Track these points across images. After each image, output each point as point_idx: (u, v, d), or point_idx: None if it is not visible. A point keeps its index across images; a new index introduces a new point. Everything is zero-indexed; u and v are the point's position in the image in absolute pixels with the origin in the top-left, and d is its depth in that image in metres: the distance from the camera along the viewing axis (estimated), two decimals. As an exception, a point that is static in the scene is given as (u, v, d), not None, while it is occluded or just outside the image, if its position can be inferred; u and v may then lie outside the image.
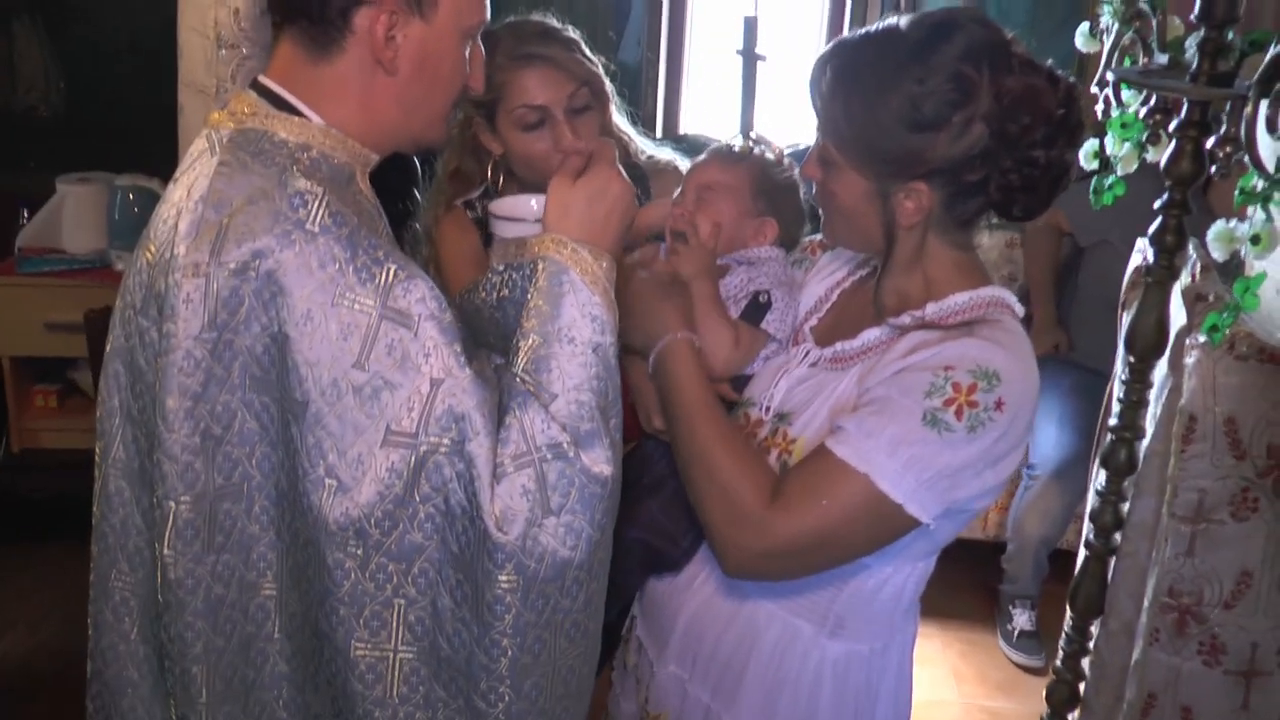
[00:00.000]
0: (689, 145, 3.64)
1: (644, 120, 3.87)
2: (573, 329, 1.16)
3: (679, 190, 1.56)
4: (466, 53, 1.23)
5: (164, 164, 1.19)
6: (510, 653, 1.10)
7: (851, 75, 1.24)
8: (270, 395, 1.09)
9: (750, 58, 3.29)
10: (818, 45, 3.59)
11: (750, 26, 3.25)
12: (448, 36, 1.19)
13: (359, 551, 1.08)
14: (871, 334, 1.32)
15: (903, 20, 1.25)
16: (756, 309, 1.43)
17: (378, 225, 1.20)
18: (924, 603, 3.43)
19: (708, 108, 4.02)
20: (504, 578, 1.08)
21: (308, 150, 1.15)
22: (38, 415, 3.45)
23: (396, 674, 1.13)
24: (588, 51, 1.77)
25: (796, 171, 1.57)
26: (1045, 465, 3.11)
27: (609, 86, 1.82)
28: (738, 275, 1.46)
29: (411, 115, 1.22)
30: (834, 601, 1.34)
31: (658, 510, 1.39)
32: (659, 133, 3.89)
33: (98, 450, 1.24)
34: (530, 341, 1.16)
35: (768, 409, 1.39)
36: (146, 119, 2.77)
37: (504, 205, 1.37)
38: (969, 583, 3.51)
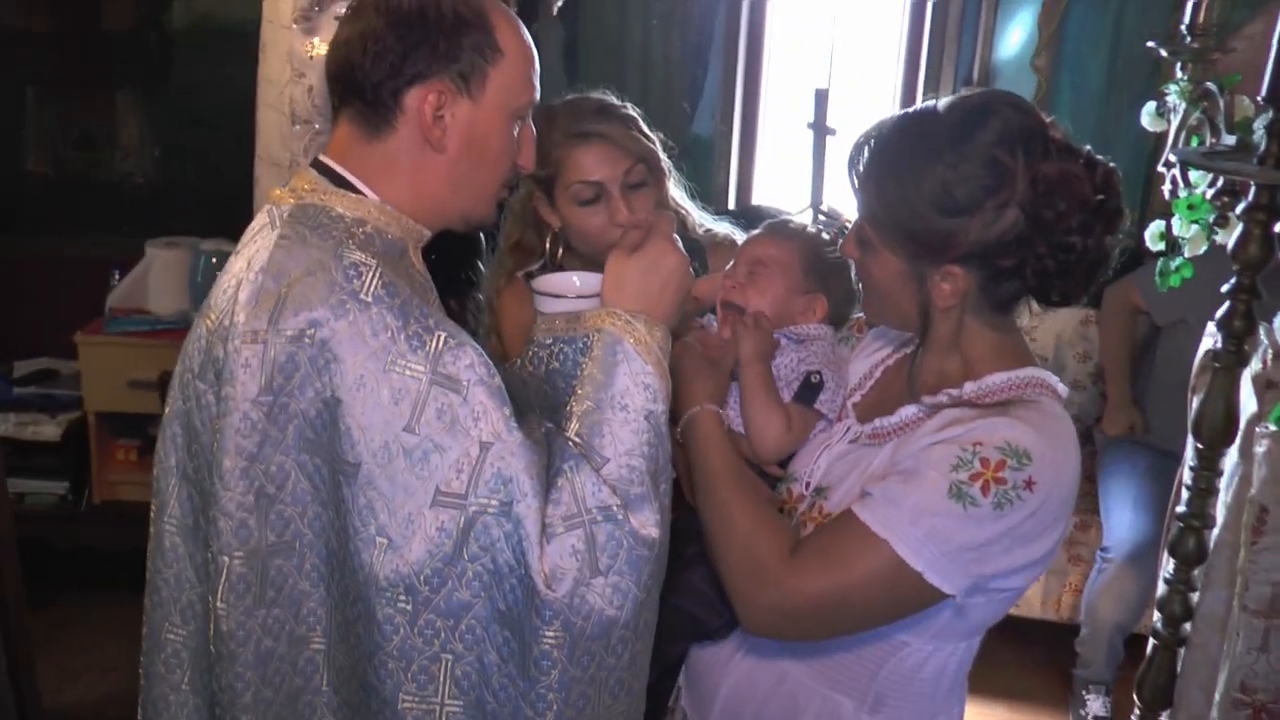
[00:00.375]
0: (758, 217, 3.68)
1: (716, 191, 3.94)
2: (625, 396, 1.19)
3: (732, 262, 1.58)
4: (516, 132, 1.27)
5: (244, 231, 1.27)
6: (555, 707, 1.12)
7: (887, 157, 1.24)
8: (322, 457, 1.13)
9: (821, 130, 3.31)
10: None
11: (821, 99, 3.28)
12: (495, 117, 1.23)
13: (409, 607, 1.12)
14: (908, 411, 1.32)
15: (941, 102, 1.25)
16: (809, 389, 1.44)
17: (429, 296, 1.23)
18: (994, 683, 3.38)
19: (779, 180, 4.06)
20: (550, 634, 1.11)
21: (363, 225, 1.19)
22: (118, 469, 3.57)
23: None
24: (645, 128, 1.80)
25: None
26: (1119, 549, 3.02)
27: (665, 161, 1.84)
28: (787, 355, 1.47)
29: (460, 192, 1.26)
30: (874, 678, 1.32)
31: (700, 579, 1.40)
32: (731, 204, 3.92)
33: (153, 508, 1.29)
34: (584, 407, 1.20)
35: (808, 484, 1.39)
36: (231, 188, 2.89)
37: (547, 283, 1.40)
38: (1043, 664, 3.41)
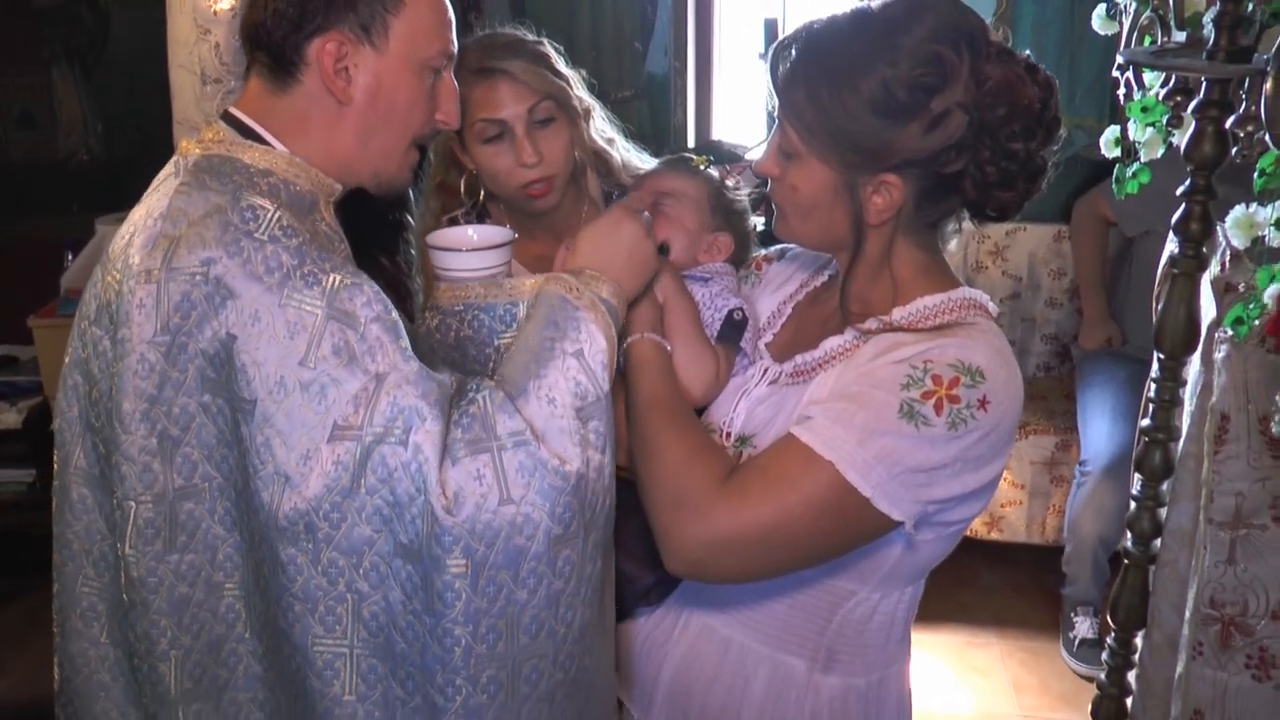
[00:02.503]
0: (719, 153, 3.60)
1: (675, 129, 3.87)
2: (554, 340, 1.16)
3: (632, 191, 1.53)
4: (430, 85, 1.25)
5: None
6: (464, 641, 1.09)
7: (819, 58, 1.16)
8: (224, 397, 1.11)
9: (773, 61, 3.22)
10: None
11: (770, 29, 3.19)
12: (402, 67, 1.21)
13: (309, 546, 1.10)
14: (833, 342, 1.25)
15: (874, 1, 1.18)
16: (733, 327, 1.38)
17: (335, 248, 1.20)
18: (982, 611, 3.36)
19: (739, 113, 3.98)
20: (452, 562, 1.08)
21: (269, 176, 1.18)
22: (85, 452, 3.51)
23: (353, 671, 1.13)
24: (559, 64, 1.75)
25: (746, 197, 1.54)
26: (1097, 461, 2.99)
27: (584, 100, 1.78)
28: (697, 294, 1.41)
29: (369, 147, 1.24)
30: (823, 634, 1.28)
31: (630, 534, 1.33)
32: (691, 140, 3.85)
33: (57, 460, 1.26)
34: (509, 354, 1.19)
35: (728, 434, 1.32)
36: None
37: (442, 237, 1.34)
38: (1032, 589, 3.41)
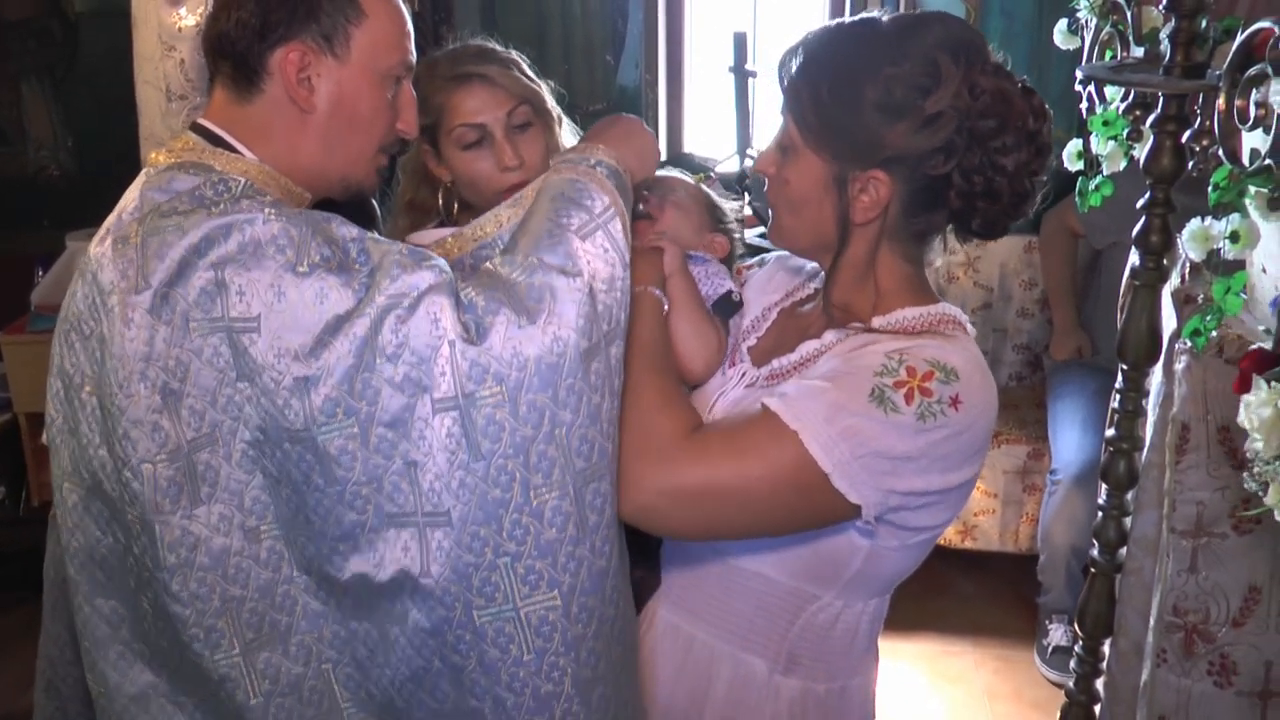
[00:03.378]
0: (690, 166, 3.62)
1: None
2: (541, 192, 1.20)
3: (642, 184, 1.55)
4: (390, 95, 1.28)
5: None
6: (518, 475, 1.08)
7: (824, 57, 1.21)
8: (219, 334, 1.10)
9: (742, 74, 3.24)
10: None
11: (740, 43, 3.20)
12: (363, 77, 1.24)
13: (354, 430, 1.08)
14: (810, 345, 1.27)
15: (883, 15, 1.23)
16: (728, 305, 1.41)
17: None
18: (957, 619, 3.37)
19: (710, 126, 3.99)
20: (486, 392, 1.07)
21: (239, 183, 1.20)
22: (57, 470, 3.49)
23: (423, 549, 1.10)
24: (529, 71, 1.76)
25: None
26: (1067, 470, 3.01)
27: (555, 108, 1.80)
28: (694, 270, 1.43)
29: (334, 155, 1.27)
30: (785, 636, 1.29)
31: None
32: (663, 153, 3.85)
33: (55, 471, 1.26)
34: (522, 232, 1.20)
35: None
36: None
37: (419, 238, 1.36)
38: (1007, 597, 3.42)
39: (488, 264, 1.17)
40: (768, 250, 1.55)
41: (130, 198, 1.19)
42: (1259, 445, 1.30)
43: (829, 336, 1.25)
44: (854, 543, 1.20)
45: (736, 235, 1.56)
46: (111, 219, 1.20)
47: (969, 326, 1.26)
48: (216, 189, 1.16)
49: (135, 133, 3.14)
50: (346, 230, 1.15)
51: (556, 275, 1.11)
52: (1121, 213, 2.61)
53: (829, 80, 1.19)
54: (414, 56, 1.31)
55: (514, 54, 1.76)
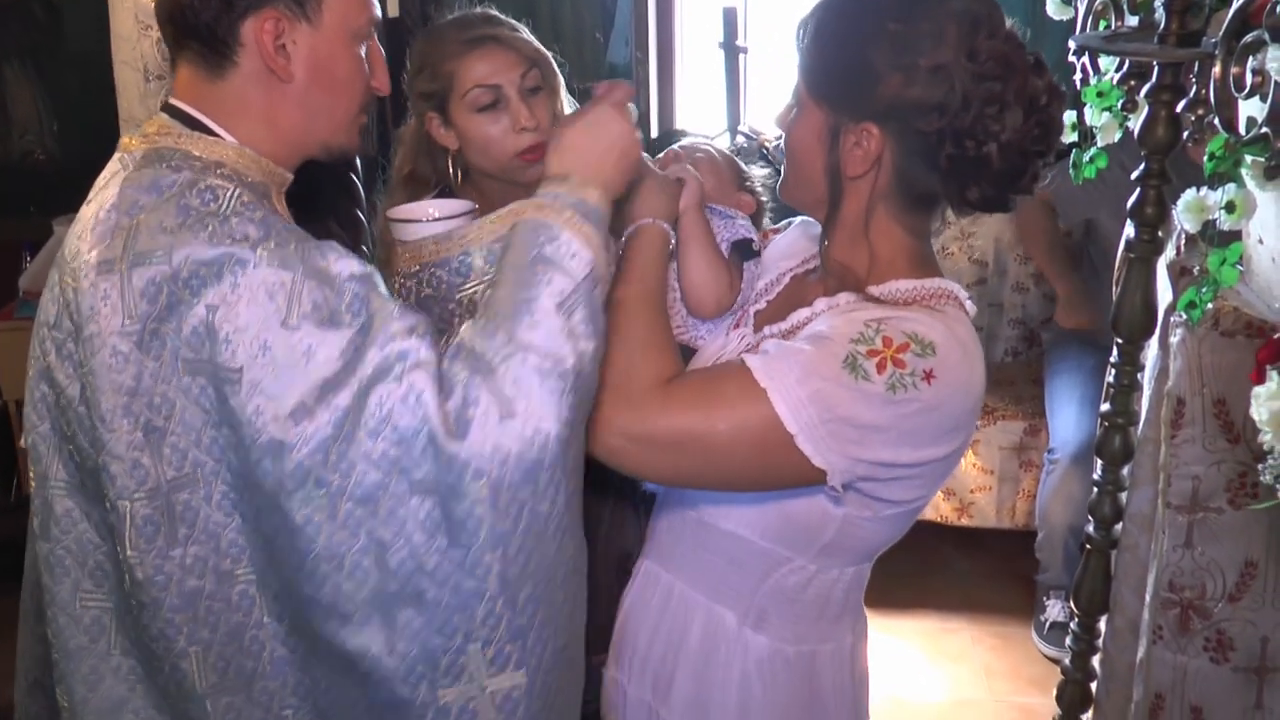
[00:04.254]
0: (682, 141, 3.59)
1: (638, 119, 3.84)
2: (520, 249, 1.14)
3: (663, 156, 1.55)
4: (363, 53, 1.24)
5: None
6: (495, 568, 1.08)
7: (835, 12, 1.22)
8: (205, 375, 1.08)
9: (732, 50, 3.20)
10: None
11: (729, 19, 3.17)
12: (338, 38, 1.20)
13: (324, 502, 1.07)
14: (801, 313, 1.26)
15: None
16: (744, 250, 1.41)
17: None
18: (953, 596, 3.36)
19: (702, 103, 3.96)
20: (468, 488, 1.06)
21: (220, 167, 1.16)
22: (48, 458, 3.47)
23: (393, 625, 1.09)
24: (533, 38, 1.77)
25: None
26: (1064, 449, 3.00)
27: (559, 74, 1.80)
28: (714, 224, 1.43)
29: (316, 121, 1.23)
30: (755, 593, 1.30)
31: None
32: (654, 130, 3.83)
33: (33, 476, 1.22)
34: (490, 291, 1.16)
35: None
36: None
37: (403, 210, 1.35)
38: (1003, 574, 3.41)
39: (467, 334, 1.11)
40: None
41: (109, 194, 1.14)
42: (1269, 437, 1.27)
43: (819, 304, 1.25)
44: (826, 510, 1.20)
45: (764, 199, 1.56)
46: (90, 213, 1.15)
47: (968, 304, 1.24)
48: (203, 196, 1.11)
49: (119, 117, 3.12)
50: (344, 266, 1.11)
51: (536, 363, 1.08)
52: (1094, 189, 2.59)
53: (834, 32, 1.21)
54: (379, 12, 1.28)
55: (515, 22, 1.77)
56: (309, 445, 1.05)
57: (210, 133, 1.18)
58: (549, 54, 1.77)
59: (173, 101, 1.21)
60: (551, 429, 1.07)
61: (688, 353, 1.42)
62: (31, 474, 1.23)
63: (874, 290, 1.22)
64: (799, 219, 1.52)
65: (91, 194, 1.20)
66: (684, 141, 1.60)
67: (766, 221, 1.61)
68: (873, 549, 1.29)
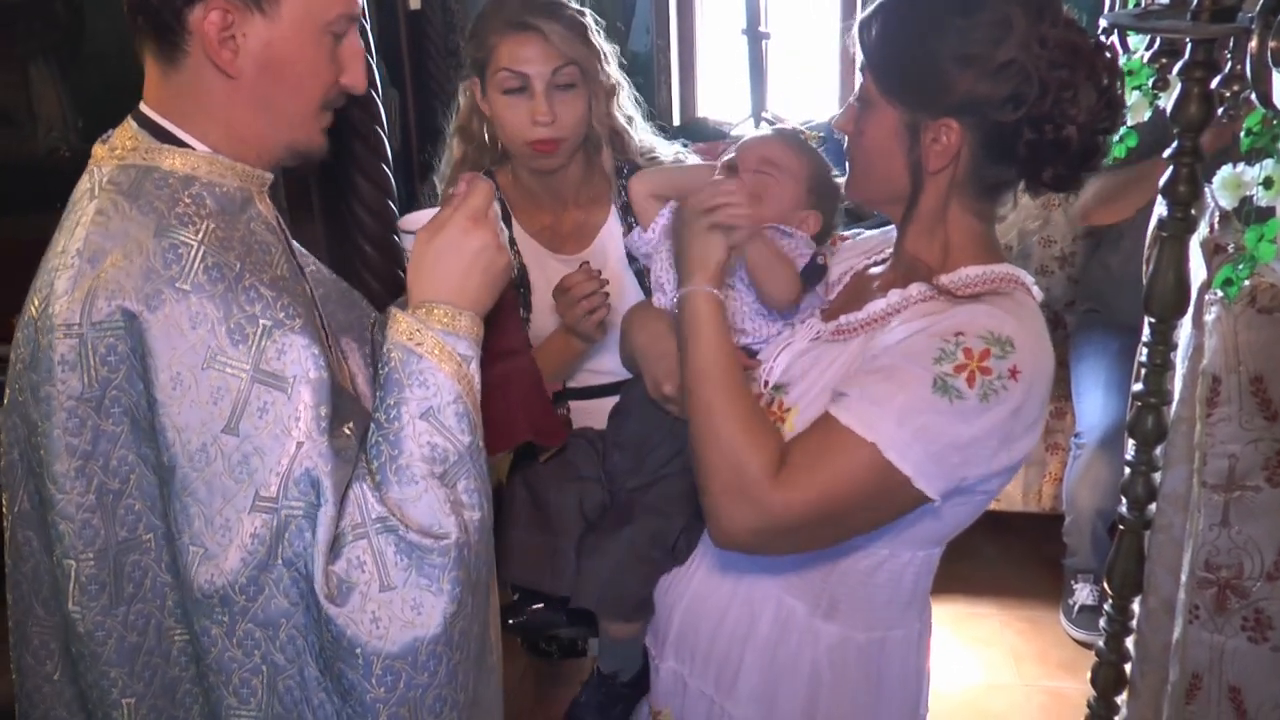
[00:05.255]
0: (704, 130, 3.58)
1: (660, 108, 3.84)
2: (399, 404, 1.12)
3: (736, 150, 1.54)
4: (330, 49, 1.16)
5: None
6: None
7: (901, 11, 1.24)
8: (158, 450, 1.08)
9: (755, 36, 3.19)
10: (828, 21, 3.47)
11: (751, 5, 3.16)
12: (298, 34, 1.12)
13: (225, 619, 1.07)
14: (877, 305, 1.28)
15: None
16: (815, 270, 1.42)
17: (272, 256, 1.15)
18: (979, 580, 3.36)
19: (724, 90, 3.95)
20: (343, 652, 1.06)
21: (191, 185, 1.11)
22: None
23: None
24: (595, 37, 1.79)
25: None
26: (1091, 434, 2.98)
27: (613, 76, 1.80)
28: (780, 241, 1.44)
29: (273, 121, 1.16)
30: (826, 580, 1.31)
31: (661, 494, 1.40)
32: (676, 119, 3.82)
33: (4, 501, 1.21)
34: (370, 429, 1.14)
35: (766, 382, 1.37)
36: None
37: (409, 221, 1.33)
38: (1030, 557, 3.40)
39: (356, 479, 1.10)
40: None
41: (78, 233, 1.09)
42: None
43: (894, 296, 1.27)
44: (919, 511, 1.22)
45: (839, 208, 1.55)
46: (60, 245, 1.11)
47: (1035, 290, 1.26)
48: (165, 258, 1.05)
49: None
50: (299, 367, 1.06)
51: (416, 539, 1.08)
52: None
53: (903, 30, 1.22)
54: (358, 6, 1.18)
55: (588, 16, 1.78)
56: (225, 564, 1.05)
57: (181, 142, 1.13)
58: (599, 55, 1.77)
59: (142, 109, 1.16)
60: (436, 604, 1.08)
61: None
62: (4, 500, 1.21)
63: (944, 279, 1.24)
64: (875, 231, 1.53)
65: (65, 214, 1.15)
66: (770, 133, 1.58)
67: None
68: (946, 534, 1.31)
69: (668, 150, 1.95)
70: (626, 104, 1.90)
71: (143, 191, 1.10)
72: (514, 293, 1.36)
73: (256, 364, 1.05)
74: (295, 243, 1.32)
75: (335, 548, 1.07)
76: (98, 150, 1.17)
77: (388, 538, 1.08)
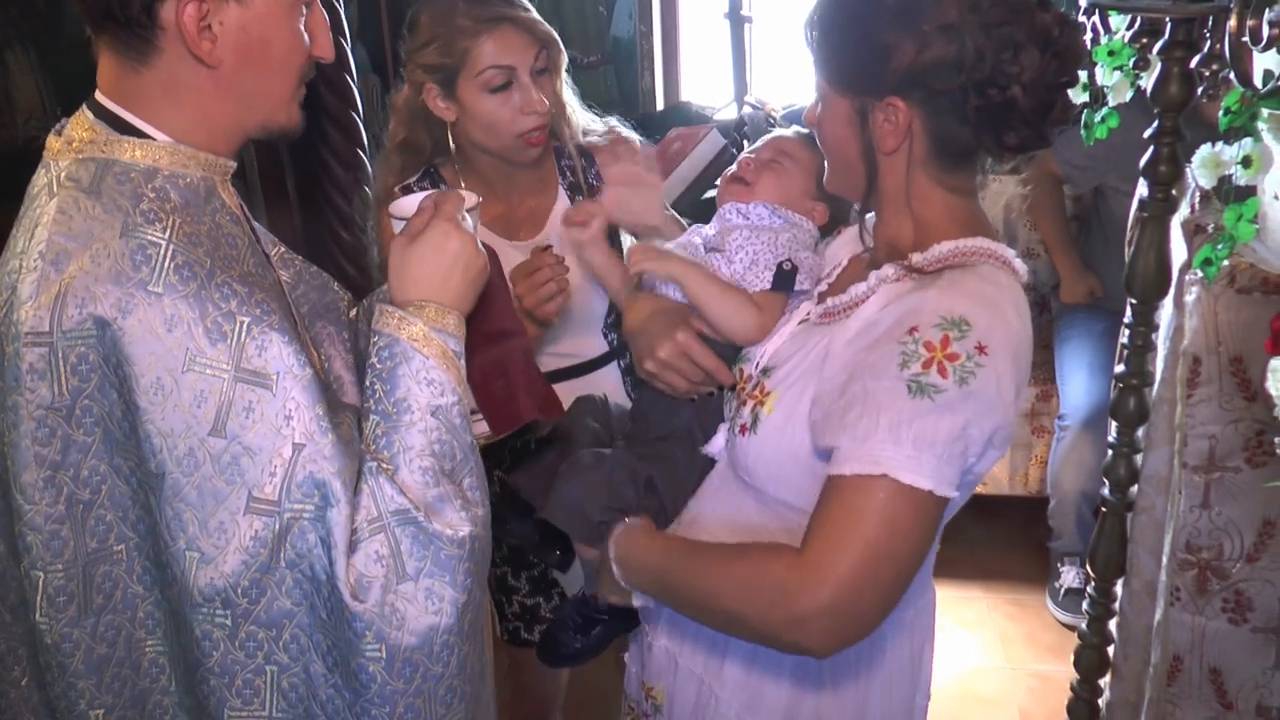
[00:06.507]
0: (686, 114, 3.56)
1: (643, 93, 3.82)
2: (408, 398, 1.12)
3: (757, 143, 1.56)
4: (302, 24, 1.14)
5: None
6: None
7: (835, 3, 1.22)
8: (133, 461, 1.05)
9: (737, 19, 3.17)
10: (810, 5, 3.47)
11: (734, -13, 3.14)
12: (271, 14, 1.10)
13: (227, 622, 1.06)
14: (858, 288, 1.26)
15: None
16: (784, 276, 1.41)
17: (239, 248, 1.13)
18: (966, 564, 3.36)
19: (707, 74, 3.93)
20: (366, 646, 1.06)
21: (153, 178, 1.08)
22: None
23: None
24: (539, 17, 1.76)
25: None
26: (1075, 415, 2.98)
27: (564, 55, 1.80)
28: (759, 239, 1.43)
29: (253, 105, 1.14)
30: None
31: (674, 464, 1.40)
32: (660, 103, 3.80)
33: None
34: (370, 421, 1.13)
35: (758, 365, 1.36)
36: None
37: (399, 207, 1.32)
38: (1017, 540, 3.40)
39: (368, 471, 1.09)
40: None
41: (39, 233, 1.03)
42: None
43: (872, 278, 1.25)
44: None
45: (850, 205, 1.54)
46: (20, 245, 1.06)
47: (1015, 263, 1.23)
48: (135, 259, 1.02)
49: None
50: (280, 362, 1.04)
51: (439, 535, 1.08)
52: (1101, 154, 2.56)
53: (837, 20, 1.21)
54: None
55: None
56: (224, 566, 1.04)
57: (140, 133, 1.09)
58: (555, 34, 1.77)
59: (99, 99, 1.11)
60: (449, 593, 1.08)
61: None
62: None
63: (917, 258, 1.21)
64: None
65: (21, 212, 1.10)
66: (788, 133, 1.58)
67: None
68: (951, 513, 1.25)
69: (598, 125, 1.93)
70: (566, 85, 1.88)
71: (104, 188, 1.06)
72: (502, 274, 1.34)
73: (238, 363, 1.03)
74: (259, 226, 1.30)
75: (354, 542, 1.07)
76: (52, 142, 1.12)
77: (406, 529, 1.08)
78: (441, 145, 1.81)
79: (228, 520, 1.04)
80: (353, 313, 1.44)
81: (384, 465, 1.10)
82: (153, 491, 1.04)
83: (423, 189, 1.82)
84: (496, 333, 1.33)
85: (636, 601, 1.44)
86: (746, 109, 3.32)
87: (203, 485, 1.03)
